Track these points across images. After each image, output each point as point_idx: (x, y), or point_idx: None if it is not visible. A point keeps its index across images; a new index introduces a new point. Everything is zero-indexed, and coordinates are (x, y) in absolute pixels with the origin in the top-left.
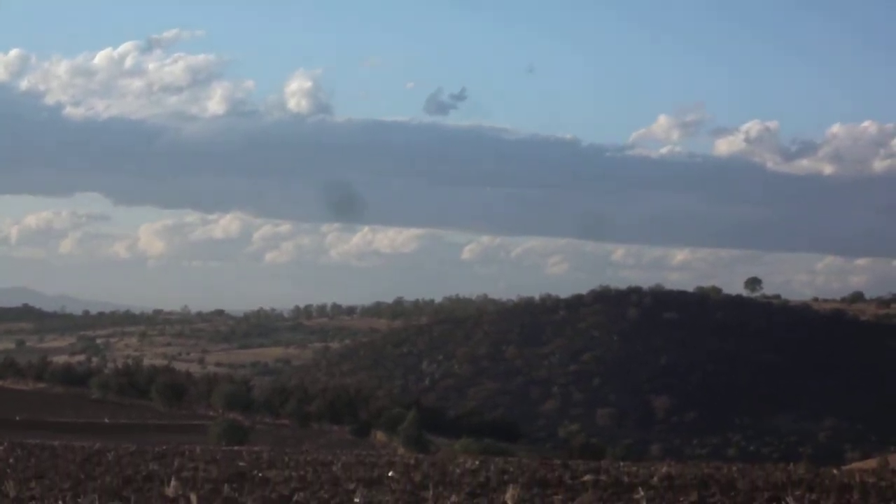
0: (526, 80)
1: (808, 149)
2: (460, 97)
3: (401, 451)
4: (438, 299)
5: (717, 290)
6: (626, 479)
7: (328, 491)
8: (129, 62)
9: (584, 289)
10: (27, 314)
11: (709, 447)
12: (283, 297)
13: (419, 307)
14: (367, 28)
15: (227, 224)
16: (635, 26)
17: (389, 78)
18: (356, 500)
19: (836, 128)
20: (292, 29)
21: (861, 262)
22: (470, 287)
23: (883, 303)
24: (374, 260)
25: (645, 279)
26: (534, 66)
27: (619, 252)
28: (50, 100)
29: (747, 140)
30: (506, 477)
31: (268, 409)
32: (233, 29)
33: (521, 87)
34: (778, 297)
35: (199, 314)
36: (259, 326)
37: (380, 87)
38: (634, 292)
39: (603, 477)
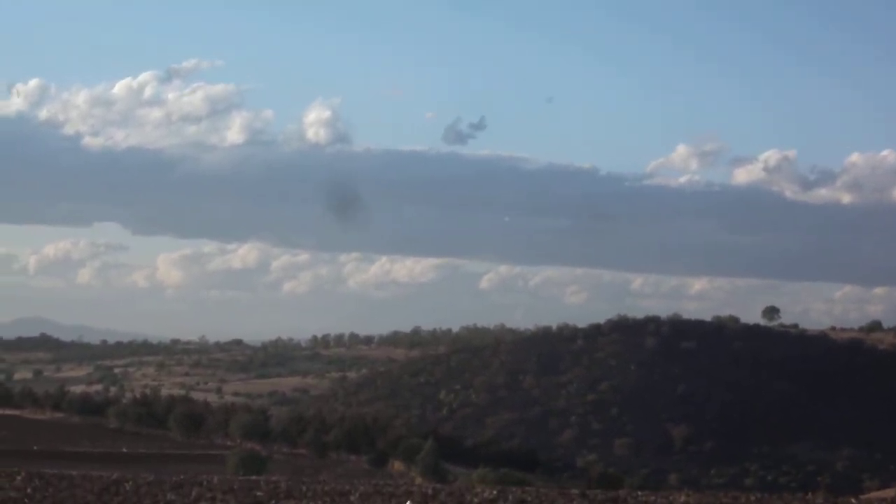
0: (545, 109)
1: (826, 178)
2: (479, 127)
3: (418, 480)
4: (456, 329)
5: (734, 320)
6: None
7: None
8: (148, 92)
9: (601, 318)
10: (45, 344)
11: (726, 476)
12: (301, 326)
13: (436, 337)
14: (387, 58)
15: (245, 254)
16: (654, 56)
17: (409, 108)
18: None
19: (854, 156)
20: (311, 59)
21: (879, 290)
22: (488, 317)
23: None
24: (392, 290)
25: (663, 308)
26: (553, 96)
27: (637, 281)
28: (69, 129)
29: (766, 169)
30: None
31: (285, 438)
32: (252, 59)
33: (541, 116)
34: (796, 326)
35: (217, 344)
36: (276, 356)
37: (399, 117)
38: (652, 321)
39: None
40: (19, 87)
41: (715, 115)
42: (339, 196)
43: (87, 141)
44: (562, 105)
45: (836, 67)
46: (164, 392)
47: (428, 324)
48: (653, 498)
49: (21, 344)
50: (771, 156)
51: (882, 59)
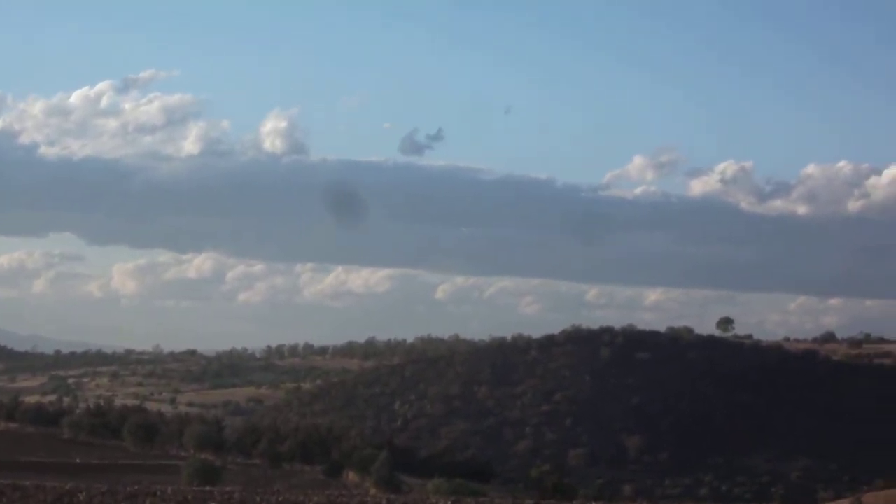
0: (504, 120)
1: (782, 189)
2: (437, 137)
3: (373, 491)
4: (411, 339)
5: (689, 331)
6: None
7: None
8: (104, 102)
9: (556, 329)
10: None
11: (681, 487)
12: (256, 336)
13: (391, 347)
14: (344, 69)
15: (200, 264)
16: (612, 67)
17: (366, 118)
18: None
19: (810, 168)
20: (269, 69)
21: (834, 302)
22: (443, 327)
23: (854, 343)
24: (347, 300)
25: (618, 319)
26: (511, 107)
27: (592, 292)
28: (25, 139)
29: (722, 180)
30: None
31: (239, 449)
32: (209, 69)
33: (499, 127)
34: (750, 336)
35: (171, 354)
36: (231, 366)
37: (356, 127)
38: (606, 332)
39: None
40: None
41: (672, 126)
42: (339, 201)
43: (43, 150)
44: (520, 116)
45: (793, 79)
46: (118, 402)
47: (383, 334)
48: None
49: None
50: (727, 167)
51: (838, 72)
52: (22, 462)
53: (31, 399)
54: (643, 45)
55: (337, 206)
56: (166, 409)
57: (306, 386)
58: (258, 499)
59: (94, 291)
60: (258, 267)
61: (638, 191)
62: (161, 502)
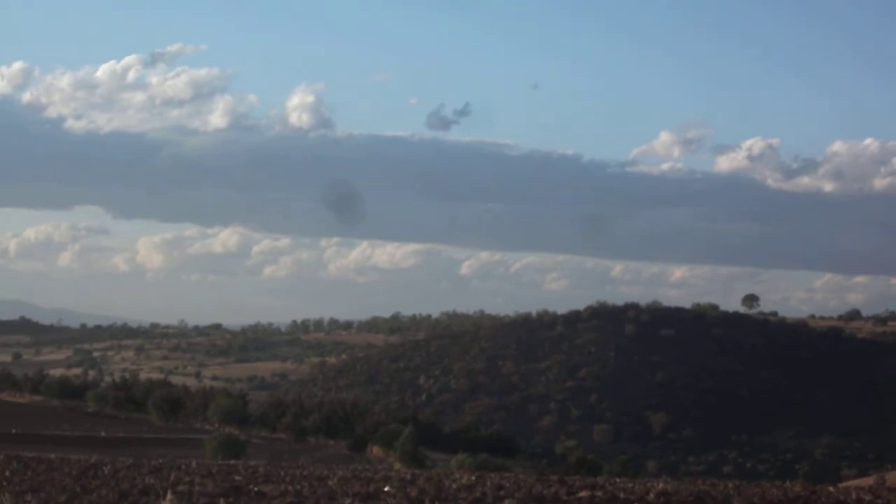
0: (530, 95)
1: (809, 166)
2: (464, 113)
3: (397, 466)
4: (436, 314)
5: (714, 307)
6: (622, 495)
7: None
8: (131, 76)
9: (581, 305)
10: (24, 327)
11: (705, 464)
12: (281, 311)
13: (416, 322)
14: (372, 44)
15: (226, 238)
16: (639, 43)
17: (393, 94)
18: None
19: (837, 145)
20: (297, 44)
21: (859, 279)
22: (468, 303)
23: (880, 320)
24: (372, 275)
25: (643, 295)
26: (538, 83)
27: (617, 268)
28: (52, 112)
29: (749, 157)
30: (502, 492)
31: (264, 423)
32: (237, 43)
33: (526, 103)
34: (775, 314)
35: (197, 328)
36: (256, 340)
37: (383, 102)
38: (631, 308)
39: (599, 493)
40: (3, 70)
41: (699, 103)
42: (340, 195)
43: (70, 124)
44: (548, 92)
45: (821, 57)
46: (143, 376)
47: (408, 309)
48: (631, 484)
49: (0, 327)
50: (754, 144)
51: (865, 50)
52: (46, 435)
53: (56, 372)
54: (671, 22)
55: (337, 206)
56: (191, 382)
57: (331, 360)
58: (282, 473)
59: (119, 265)
60: (284, 241)
61: (664, 167)
62: (185, 476)
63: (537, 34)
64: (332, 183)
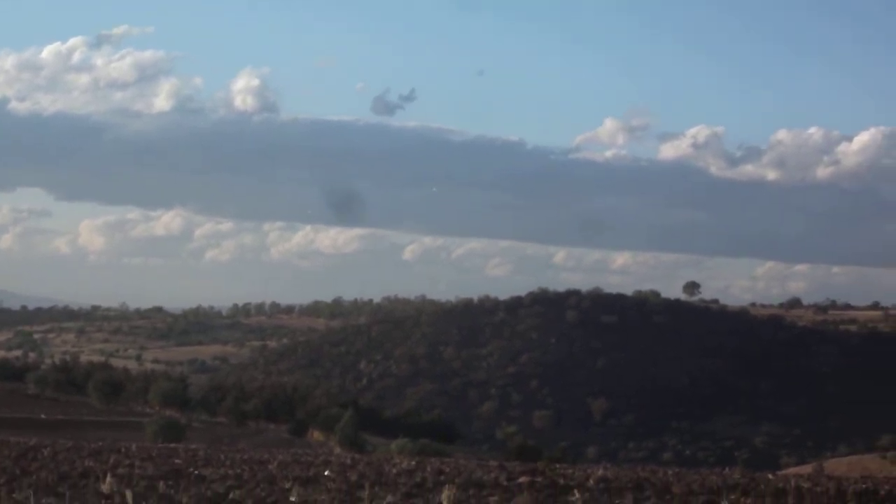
0: (476, 82)
1: (752, 154)
2: (410, 98)
3: (337, 450)
4: (378, 299)
5: (655, 294)
6: (562, 481)
7: (264, 489)
8: (76, 57)
9: (524, 291)
10: None
11: (645, 451)
12: (223, 295)
13: (358, 307)
14: (319, 28)
15: (168, 221)
16: (585, 31)
17: (339, 79)
18: (292, 498)
19: (781, 133)
20: (242, 27)
21: (801, 268)
22: (410, 288)
23: (820, 309)
24: (315, 259)
25: (585, 282)
26: (484, 69)
27: (559, 255)
28: None
29: (693, 145)
30: (442, 478)
31: (204, 406)
32: (183, 26)
33: (472, 89)
34: (716, 301)
35: (138, 311)
36: (197, 324)
37: (329, 87)
38: (573, 295)
39: (539, 479)
40: None
41: (644, 90)
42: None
43: (14, 105)
44: (493, 78)
45: (767, 45)
46: (84, 359)
47: (350, 294)
48: (571, 470)
49: None
50: (699, 131)
51: (810, 39)
52: None
53: None
54: (617, 10)
55: (337, 206)
56: (132, 365)
57: (272, 344)
58: (223, 457)
59: (61, 247)
60: (226, 225)
61: (608, 154)
62: (125, 459)
63: (484, 21)
64: (333, 180)
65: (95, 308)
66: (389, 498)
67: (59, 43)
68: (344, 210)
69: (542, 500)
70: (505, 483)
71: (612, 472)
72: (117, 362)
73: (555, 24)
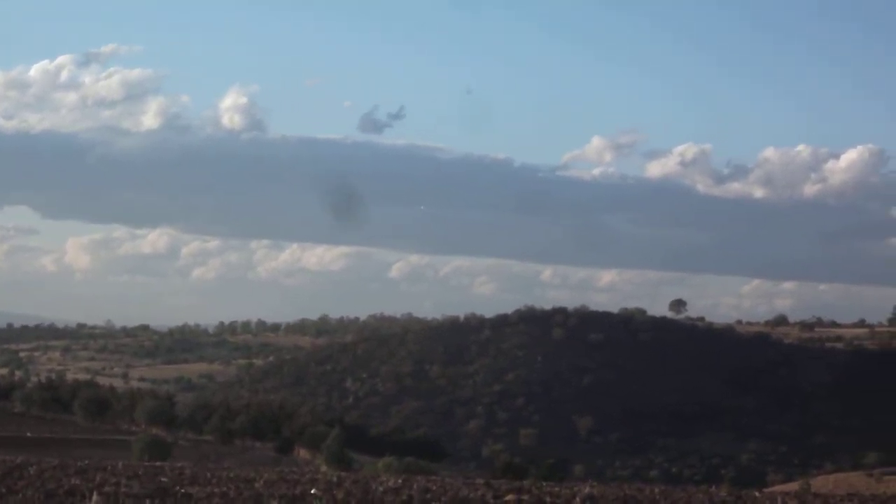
0: (465, 100)
1: (740, 172)
2: (398, 116)
3: (324, 468)
4: (363, 317)
5: (641, 312)
6: (548, 499)
7: None
8: (64, 75)
9: (510, 308)
10: None
11: (631, 468)
12: (209, 312)
13: (343, 325)
14: (308, 47)
15: (155, 239)
16: (573, 49)
17: (328, 97)
18: None
19: (769, 151)
20: (231, 46)
21: (788, 285)
22: (397, 306)
23: (806, 326)
24: (301, 277)
25: (572, 300)
26: (472, 88)
27: (546, 273)
28: None
29: (681, 163)
30: (428, 496)
31: (191, 425)
32: (172, 44)
33: (460, 107)
34: (702, 319)
35: (124, 329)
36: (183, 342)
37: (318, 105)
38: (559, 312)
39: (525, 496)
40: None
41: (632, 108)
42: (339, 196)
43: (1, 124)
44: (482, 97)
45: (755, 63)
46: (70, 377)
47: (337, 312)
48: (557, 488)
49: None
50: (687, 149)
51: (799, 56)
52: None
53: None
54: (604, 26)
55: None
56: (118, 383)
57: (258, 362)
58: (209, 475)
59: (47, 265)
60: (213, 243)
61: (596, 172)
62: (111, 477)
63: (473, 39)
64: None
65: (81, 326)
66: None
67: (47, 61)
68: (344, 211)
69: None
70: (491, 501)
71: (599, 490)
72: (103, 380)
73: (542, 43)
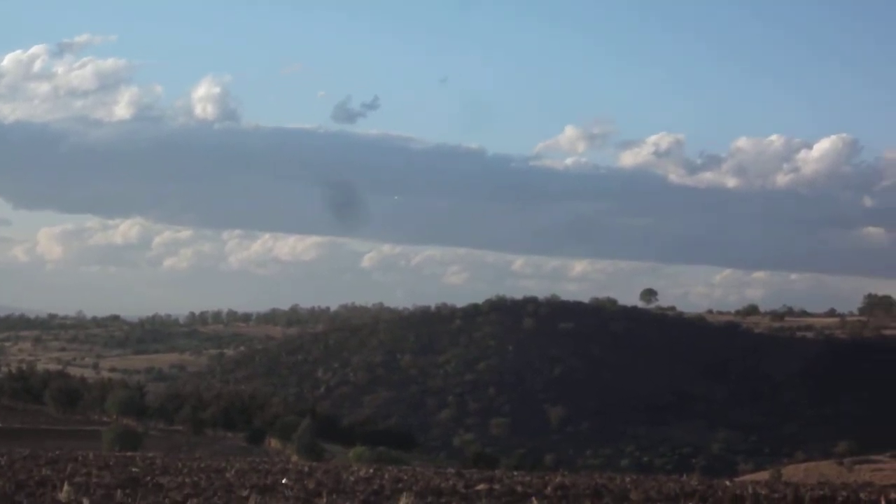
0: (439, 90)
1: (712, 162)
2: (372, 106)
3: (295, 458)
4: (335, 307)
5: (612, 301)
6: (519, 488)
7: (221, 497)
8: (37, 65)
9: (481, 298)
10: None
11: (602, 458)
12: (181, 303)
13: (315, 315)
14: (282, 38)
15: (127, 229)
16: (546, 38)
17: (302, 87)
18: None
19: (741, 141)
20: (204, 35)
21: (759, 275)
22: (369, 296)
23: (777, 316)
24: (273, 267)
25: (544, 290)
26: (447, 77)
27: (518, 262)
28: None
29: (655, 153)
30: (399, 485)
31: (162, 415)
32: (146, 34)
33: (434, 97)
34: (673, 308)
35: (94, 319)
36: (154, 332)
37: (291, 95)
38: (530, 302)
39: (497, 486)
40: None
41: (606, 97)
42: (340, 195)
43: None
44: (455, 86)
45: (729, 51)
46: (41, 367)
47: (308, 302)
48: (528, 478)
49: None
50: (660, 139)
51: (774, 45)
52: None
53: None
54: (578, 13)
55: (337, 207)
56: (89, 374)
57: (229, 352)
58: (180, 465)
59: (19, 255)
60: (185, 233)
61: (568, 161)
62: (82, 467)
63: (446, 28)
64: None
65: (52, 316)
66: None
67: (20, 51)
68: (345, 211)
69: None
70: (462, 491)
71: (570, 480)
72: (74, 371)
73: (517, 33)
